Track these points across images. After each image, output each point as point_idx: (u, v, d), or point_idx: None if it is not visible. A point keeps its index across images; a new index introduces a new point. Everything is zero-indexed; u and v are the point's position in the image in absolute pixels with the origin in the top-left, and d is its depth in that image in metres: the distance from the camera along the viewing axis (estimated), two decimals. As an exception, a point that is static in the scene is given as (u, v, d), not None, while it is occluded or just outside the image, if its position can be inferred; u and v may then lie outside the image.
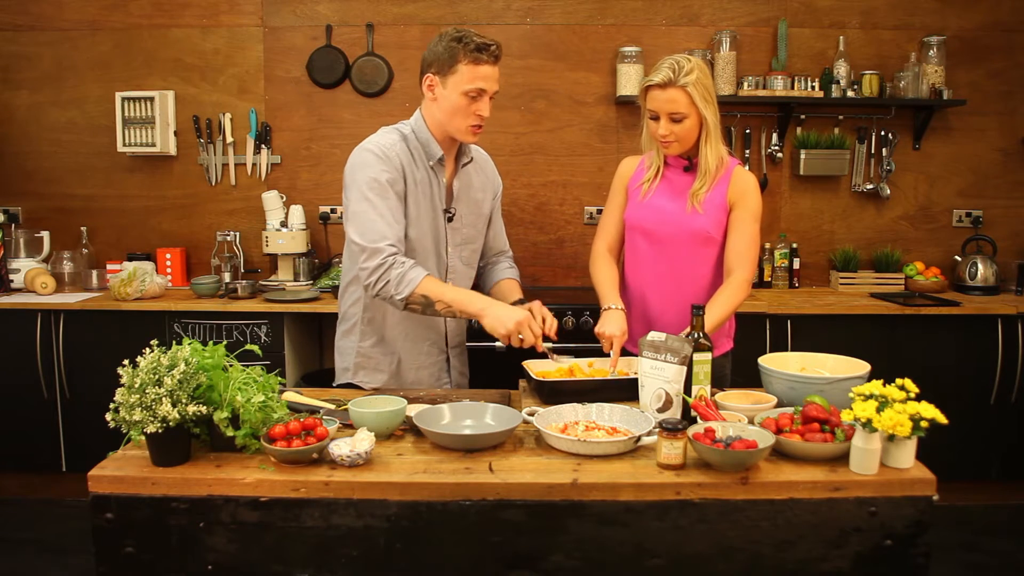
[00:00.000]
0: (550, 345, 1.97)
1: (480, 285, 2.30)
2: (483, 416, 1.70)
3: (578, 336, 3.18)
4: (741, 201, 2.12)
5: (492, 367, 3.33)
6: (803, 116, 3.76)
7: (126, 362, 1.47)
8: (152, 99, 3.69)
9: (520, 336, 1.89)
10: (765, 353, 1.97)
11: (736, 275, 2.09)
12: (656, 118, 2.06)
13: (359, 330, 2.14)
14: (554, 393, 1.86)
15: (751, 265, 2.11)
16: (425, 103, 2.06)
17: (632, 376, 1.89)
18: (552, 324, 1.95)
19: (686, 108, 2.02)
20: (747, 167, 3.75)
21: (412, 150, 2.04)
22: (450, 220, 2.11)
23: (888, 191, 3.79)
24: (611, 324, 2.07)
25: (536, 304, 1.97)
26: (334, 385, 2.21)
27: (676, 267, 2.16)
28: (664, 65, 2.02)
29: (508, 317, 1.88)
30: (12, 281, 3.61)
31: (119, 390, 1.45)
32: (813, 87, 3.64)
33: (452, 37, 1.94)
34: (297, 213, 3.70)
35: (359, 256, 1.94)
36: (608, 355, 2.03)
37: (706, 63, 3.65)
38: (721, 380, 2.18)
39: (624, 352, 2.26)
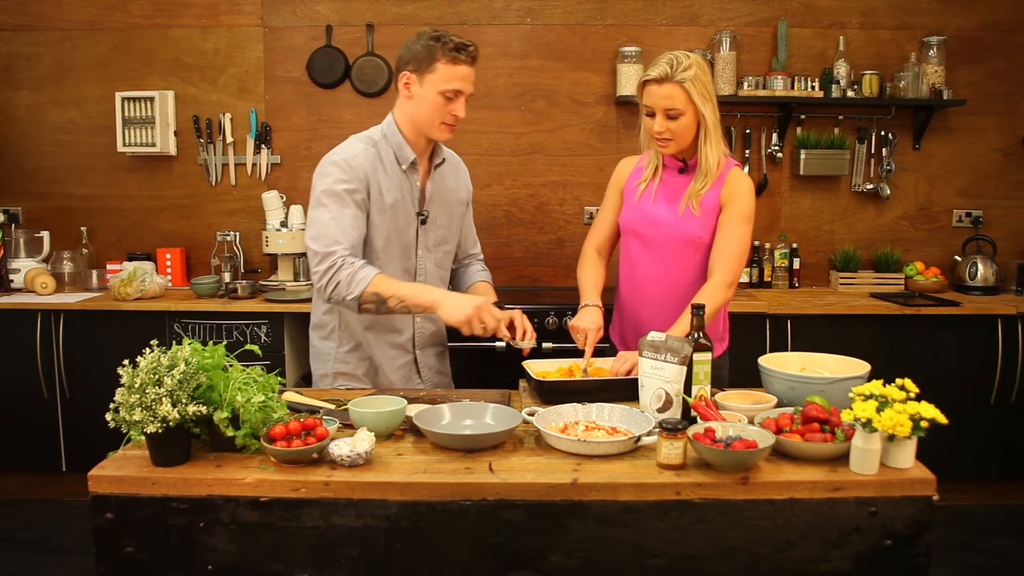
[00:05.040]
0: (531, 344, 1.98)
1: (453, 288, 2.31)
2: (483, 416, 1.70)
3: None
4: (730, 202, 2.07)
5: (492, 367, 3.33)
6: (803, 116, 3.76)
7: (126, 362, 1.47)
8: (152, 99, 3.69)
9: (482, 324, 1.89)
10: (765, 353, 1.97)
11: (715, 277, 2.03)
12: (652, 114, 2.03)
13: (337, 336, 2.14)
14: (554, 393, 1.86)
15: (734, 267, 2.05)
16: (399, 103, 2.05)
17: (632, 376, 1.89)
18: (531, 335, 1.97)
19: (683, 105, 1.98)
20: (747, 167, 3.76)
21: (382, 156, 2.04)
22: (423, 222, 2.11)
23: (888, 191, 3.79)
24: (585, 319, 2.09)
25: (517, 313, 1.98)
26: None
27: (667, 270, 2.14)
28: (662, 60, 1.99)
29: (463, 305, 1.89)
30: (12, 281, 3.61)
31: (119, 390, 1.45)
32: (813, 87, 3.64)
33: (431, 36, 1.95)
34: (297, 213, 3.70)
35: (311, 261, 1.97)
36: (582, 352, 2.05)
37: (706, 63, 3.66)
38: (718, 381, 2.17)
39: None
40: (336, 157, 2.00)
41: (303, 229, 3.68)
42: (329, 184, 1.97)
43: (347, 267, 1.91)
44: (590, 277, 2.24)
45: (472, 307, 1.88)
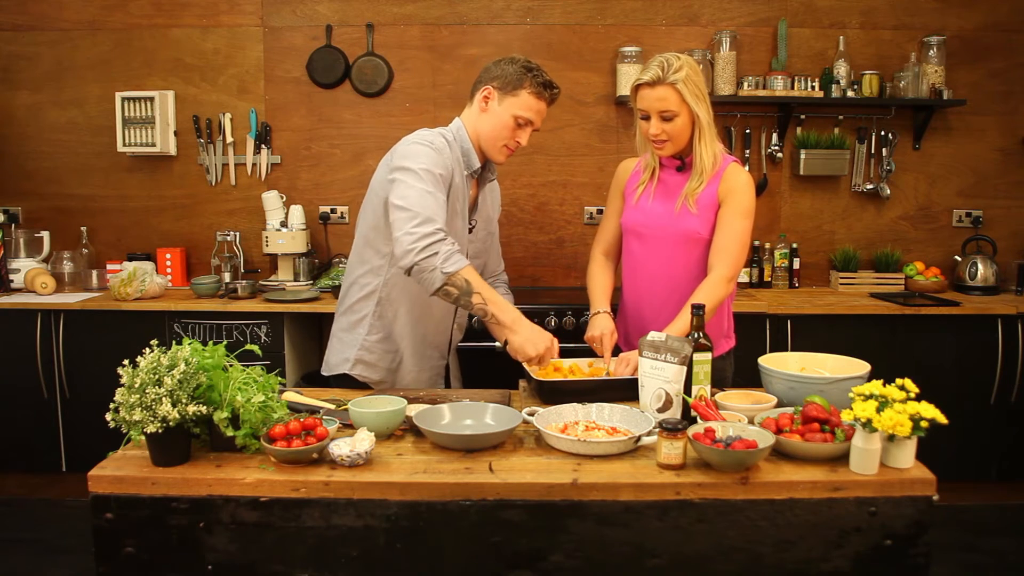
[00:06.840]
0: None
1: None
2: (483, 416, 1.70)
3: (579, 336, 3.17)
4: (729, 197, 2.08)
5: (492, 367, 3.33)
6: (803, 116, 3.76)
7: (126, 362, 1.47)
8: (152, 99, 3.69)
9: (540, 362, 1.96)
10: (765, 353, 1.97)
11: (715, 272, 2.04)
12: (647, 117, 2.05)
13: (368, 323, 2.15)
14: (554, 393, 1.86)
15: (733, 262, 2.05)
16: (470, 113, 2.10)
17: (632, 376, 1.89)
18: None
19: (676, 106, 2.00)
20: (747, 167, 3.76)
21: (453, 156, 2.07)
22: (469, 231, 2.17)
23: (888, 191, 3.79)
24: (597, 326, 2.13)
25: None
26: (323, 373, 2.22)
27: (668, 268, 2.15)
28: (653, 63, 2.01)
29: (537, 343, 1.91)
30: (12, 281, 3.61)
31: (119, 390, 1.45)
32: (813, 87, 3.64)
33: (524, 64, 2.03)
34: (297, 213, 3.70)
35: (407, 222, 1.88)
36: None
37: (706, 63, 3.67)
38: (722, 381, 2.18)
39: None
40: (429, 141, 2.01)
41: (304, 229, 3.69)
42: (428, 163, 1.97)
43: (448, 243, 1.89)
44: (599, 284, 2.27)
45: (544, 347, 1.92)
